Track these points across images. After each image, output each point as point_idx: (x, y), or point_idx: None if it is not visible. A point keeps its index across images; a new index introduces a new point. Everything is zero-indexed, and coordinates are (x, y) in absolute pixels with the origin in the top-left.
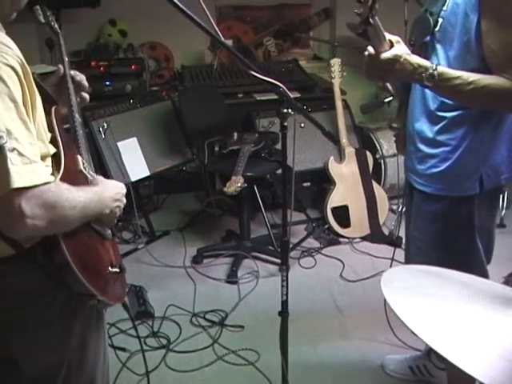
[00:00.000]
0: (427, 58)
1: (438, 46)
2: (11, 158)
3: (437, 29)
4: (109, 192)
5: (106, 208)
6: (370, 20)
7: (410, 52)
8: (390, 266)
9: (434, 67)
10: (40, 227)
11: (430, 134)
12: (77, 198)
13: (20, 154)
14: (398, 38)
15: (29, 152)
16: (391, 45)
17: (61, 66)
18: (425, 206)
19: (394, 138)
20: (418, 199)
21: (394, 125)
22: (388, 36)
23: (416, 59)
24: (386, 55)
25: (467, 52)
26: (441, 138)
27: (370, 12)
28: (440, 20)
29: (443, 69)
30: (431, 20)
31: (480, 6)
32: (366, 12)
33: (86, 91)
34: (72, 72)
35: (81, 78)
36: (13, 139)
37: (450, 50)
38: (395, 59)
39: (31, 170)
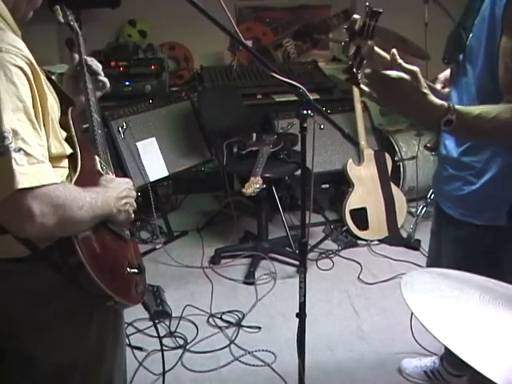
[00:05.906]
0: (458, 77)
1: (467, 63)
2: (16, 158)
3: (467, 43)
4: (111, 192)
5: (113, 208)
6: (354, 70)
7: (427, 88)
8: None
9: (452, 108)
10: (49, 226)
11: (454, 155)
12: (83, 198)
13: (27, 153)
14: (416, 69)
15: (36, 152)
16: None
17: (76, 56)
18: (450, 229)
19: (413, 141)
20: (444, 222)
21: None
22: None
23: (432, 97)
24: (389, 72)
25: (490, 71)
26: (465, 159)
27: (355, 60)
28: (471, 35)
29: (460, 108)
30: (464, 36)
31: (503, 24)
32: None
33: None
34: (88, 58)
35: (96, 64)
36: (19, 139)
37: (476, 67)
38: (400, 80)
39: (38, 170)
